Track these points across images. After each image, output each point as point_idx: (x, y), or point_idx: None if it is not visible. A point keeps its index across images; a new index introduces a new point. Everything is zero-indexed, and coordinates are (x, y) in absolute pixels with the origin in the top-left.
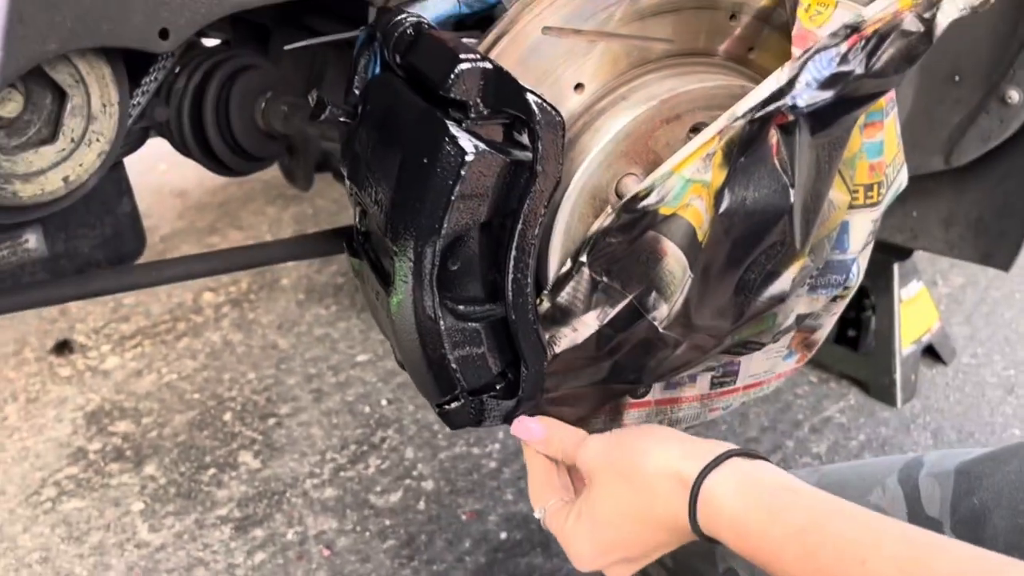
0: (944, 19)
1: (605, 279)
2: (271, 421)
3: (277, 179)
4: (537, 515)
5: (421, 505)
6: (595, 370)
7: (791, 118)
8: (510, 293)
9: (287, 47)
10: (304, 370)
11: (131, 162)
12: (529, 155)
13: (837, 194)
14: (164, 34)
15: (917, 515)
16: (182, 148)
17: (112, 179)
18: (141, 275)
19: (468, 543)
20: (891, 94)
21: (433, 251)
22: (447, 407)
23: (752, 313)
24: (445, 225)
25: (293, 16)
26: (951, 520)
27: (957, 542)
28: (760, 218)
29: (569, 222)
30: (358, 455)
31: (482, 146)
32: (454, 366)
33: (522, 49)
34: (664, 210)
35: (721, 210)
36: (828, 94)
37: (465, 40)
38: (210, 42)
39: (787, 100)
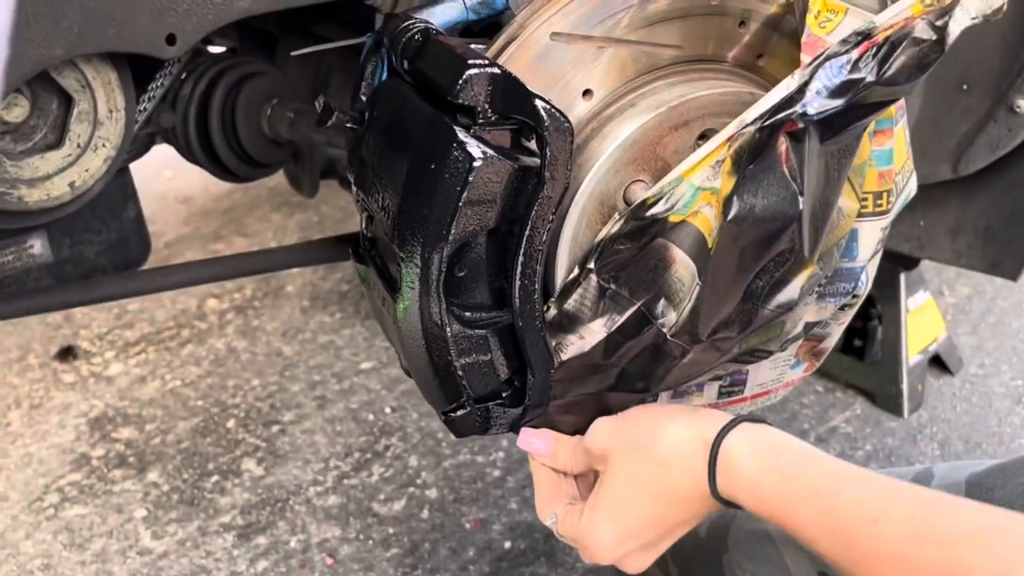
0: (956, 27)
1: (613, 286)
2: (275, 428)
3: (282, 186)
4: (548, 522)
5: (425, 513)
6: (602, 378)
7: (801, 125)
8: (517, 300)
9: (294, 53)
10: (308, 377)
11: (136, 168)
12: (537, 161)
13: (846, 201)
14: (171, 39)
15: None
16: (188, 154)
17: (118, 185)
18: (146, 281)
19: (472, 552)
20: (901, 102)
21: (440, 257)
22: (453, 415)
23: (760, 322)
24: (452, 231)
25: (299, 23)
26: None
27: (966, 500)
28: (769, 226)
29: (577, 228)
30: (362, 463)
31: (490, 152)
32: (460, 373)
33: (531, 55)
34: (674, 218)
35: (730, 217)
36: (839, 102)
37: (473, 46)
38: (215, 49)
39: (797, 108)
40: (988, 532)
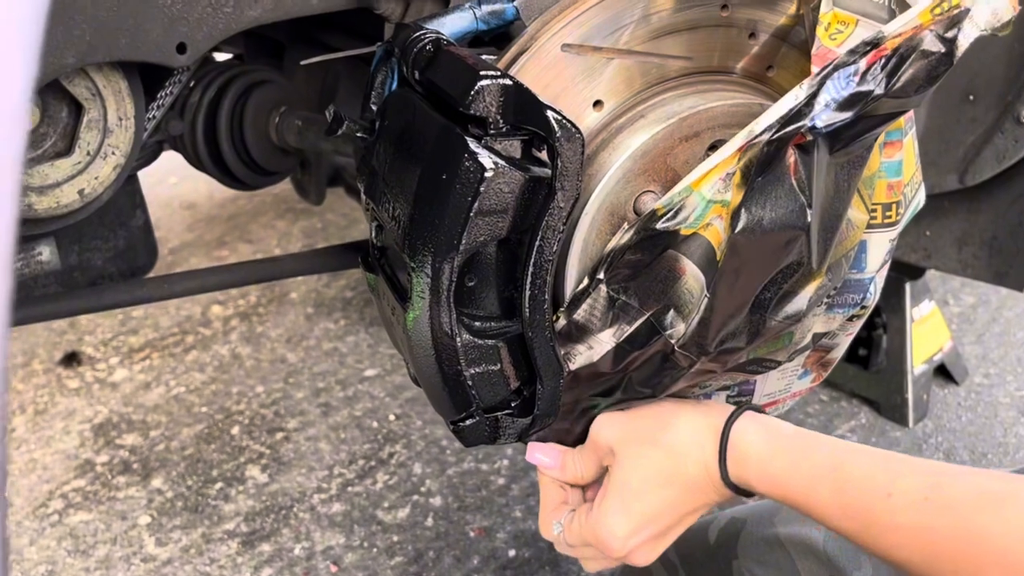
0: (965, 40)
1: (623, 297)
2: (279, 435)
3: (287, 192)
4: (554, 532)
5: (429, 521)
6: (609, 387)
7: (809, 138)
8: (527, 309)
9: (304, 62)
10: (312, 384)
11: (142, 174)
12: (548, 172)
13: (856, 213)
14: (181, 48)
15: None
16: (196, 162)
17: (126, 192)
18: (153, 288)
19: (476, 560)
20: (909, 113)
21: (451, 267)
22: (462, 424)
23: (768, 333)
24: (463, 241)
25: (307, 31)
26: None
27: (972, 469)
28: (777, 237)
29: (587, 239)
30: (366, 470)
31: (501, 162)
32: (470, 383)
33: (541, 66)
34: (685, 230)
35: (738, 229)
36: (847, 115)
37: (484, 57)
38: (221, 56)
39: (806, 121)
40: (999, 498)
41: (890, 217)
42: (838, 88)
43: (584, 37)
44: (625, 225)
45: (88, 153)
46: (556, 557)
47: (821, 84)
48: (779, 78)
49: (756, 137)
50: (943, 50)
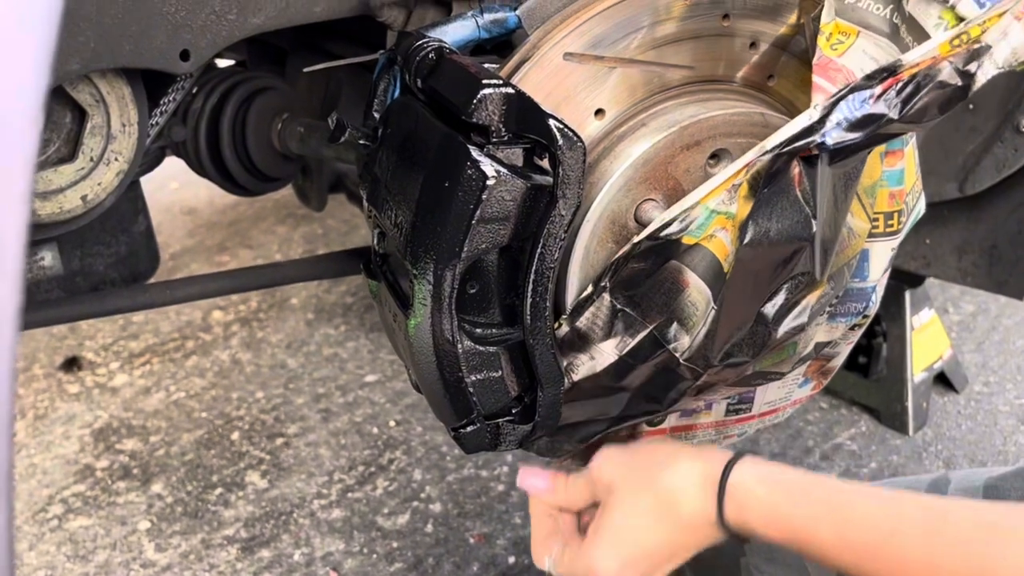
0: (983, 76)
1: (626, 308)
2: (279, 441)
3: (287, 198)
4: (546, 565)
5: (429, 528)
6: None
7: (815, 152)
8: (528, 317)
9: (307, 70)
10: (312, 390)
11: (143, 180)
12: (550, 180)
13: (858, 222)
14: (185, 55)
15: None
16: (198, 168)
17: (128, 198)
18: (156, 294)
19: (476, 567)
20: None
21: (453, 274)
22: (463, 431)
23: (773, 344)
24: (465, 249)
25: (310, 39)
26: None
27: (967, 501)
28: (783, 249)
29: (588, 247)
30: (366, 476)
31: (503, 171)
32: (471, 390)
33: (544, 74)
34: (687, 240)
35: (746, 241)
36: (857, 135)
37: (486, 65)
38: (223, 63)
39: (816, 138)
40: (1004, 532)
41: (892, 226)
42: (851, 108)
43: (586, 46)
44: (635, 239)
45: (91, 159)
46: None
47: (835, 104)
48: (779, 87)
49: (765, 153)
50: (960, 83)
